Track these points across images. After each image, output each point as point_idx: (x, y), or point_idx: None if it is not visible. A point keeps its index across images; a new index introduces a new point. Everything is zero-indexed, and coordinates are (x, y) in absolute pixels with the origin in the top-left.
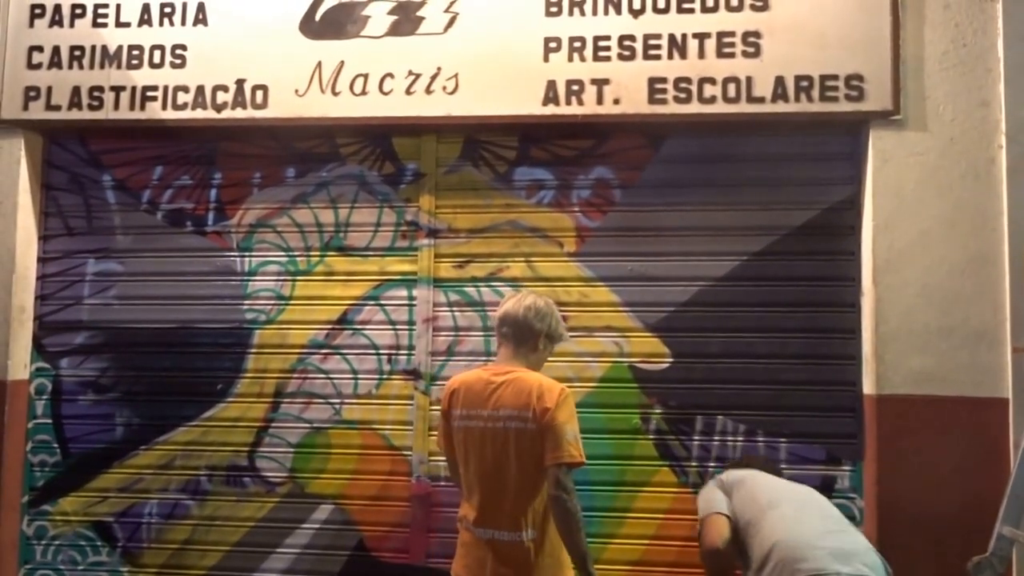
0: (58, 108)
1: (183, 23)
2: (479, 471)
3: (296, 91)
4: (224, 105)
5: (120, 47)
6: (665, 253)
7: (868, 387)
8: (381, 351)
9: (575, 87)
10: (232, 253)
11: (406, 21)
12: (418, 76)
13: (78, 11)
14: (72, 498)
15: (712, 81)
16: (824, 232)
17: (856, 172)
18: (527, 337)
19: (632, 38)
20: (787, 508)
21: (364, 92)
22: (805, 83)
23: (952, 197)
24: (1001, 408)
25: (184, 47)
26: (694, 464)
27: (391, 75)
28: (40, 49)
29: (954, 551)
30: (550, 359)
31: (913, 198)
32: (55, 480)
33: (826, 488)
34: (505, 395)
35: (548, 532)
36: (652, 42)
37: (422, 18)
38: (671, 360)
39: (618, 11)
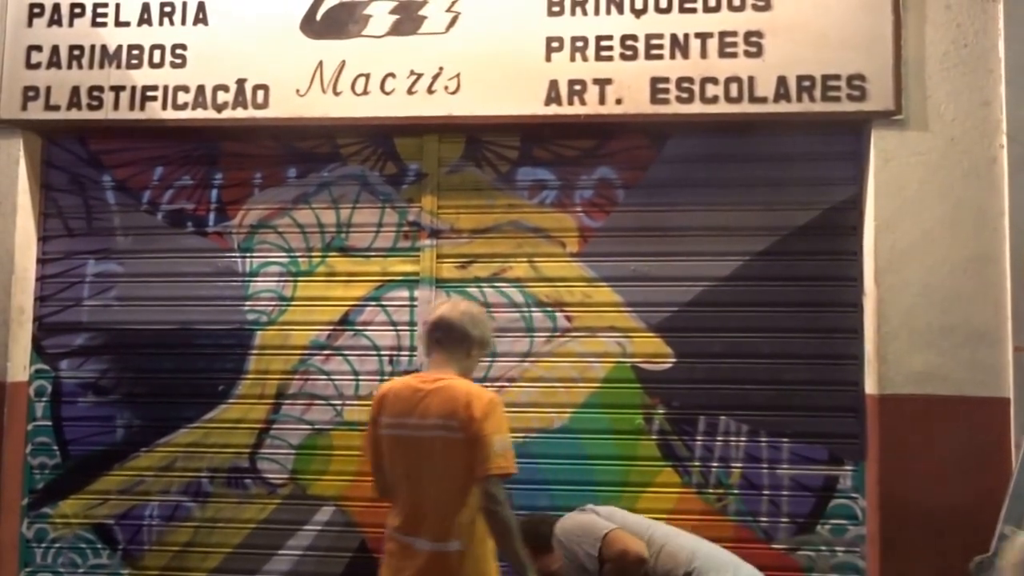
0: (57, 108)
1: (183, 22)
2: (406, 480)
3: (297, 91)
4: (225, 105)
5: (120, 47)
6: (668, 253)
7: (870, 387)
8: (383, 352)
9: (577, 87)
10: (233, 254)
11: (408, 20)
12: (420, 76)
13: (77, 10)
14: (72, 500)
15: (714, 81)
16: (826, 232)
17: (858, 172)
18: (461, 343)
19: (634, 38)
20: (664, 528)
21: (366, 92)
22: (807, 83)
23: (953, 197)
24: (1002, 407)
25: (184, 47)
26: (697, 464)
27: (393, 75)
28: (39, 48)
29: (956, 550)
30: (556, 360)
31: (915, 198)
32: (55, 482)
33: (828, 488)
34: (432, 403)
35: (475, 543)
36: (654, 42)
37: (424, 17)
38: (674, 360)
39: (620, 11)
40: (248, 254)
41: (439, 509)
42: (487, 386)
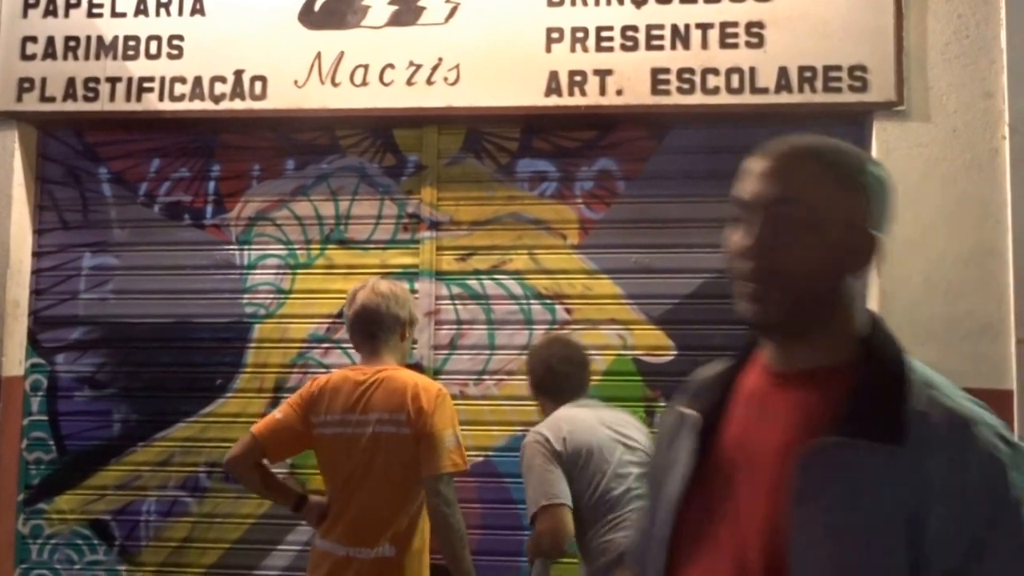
0: (53, 99)
1: (180, 13)
2: (346, 483)
3: (295, 82)
4: (222, 96)
5: (116, 37)
6: (669, 245)
7: None
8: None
9: (578, 78)
10: (231, 247)
11: (407, 11)
12: (419, 67)
13: (73, 1)
14: (69, 496)
15: (715, 72)
16: None
17: None
18: (392, 329)
19: (635, 28)
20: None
21: (364, 83)
22: (808, 74)
23: (955, 189)
24: (1005, 399)
25: (181, 37)
26: None
27: (392, 66)
28: (34, 40)
29: None
30: None
31: (916, 190)
32: (51, 478)
33: None
34: (376, 396)
35: (412, 549)
36: (655, 32)
37: (423, 8)
38: (675, 353)
39: (621, 1)
40: (246, 247)
41: (379, 513)
42: (471, 380)
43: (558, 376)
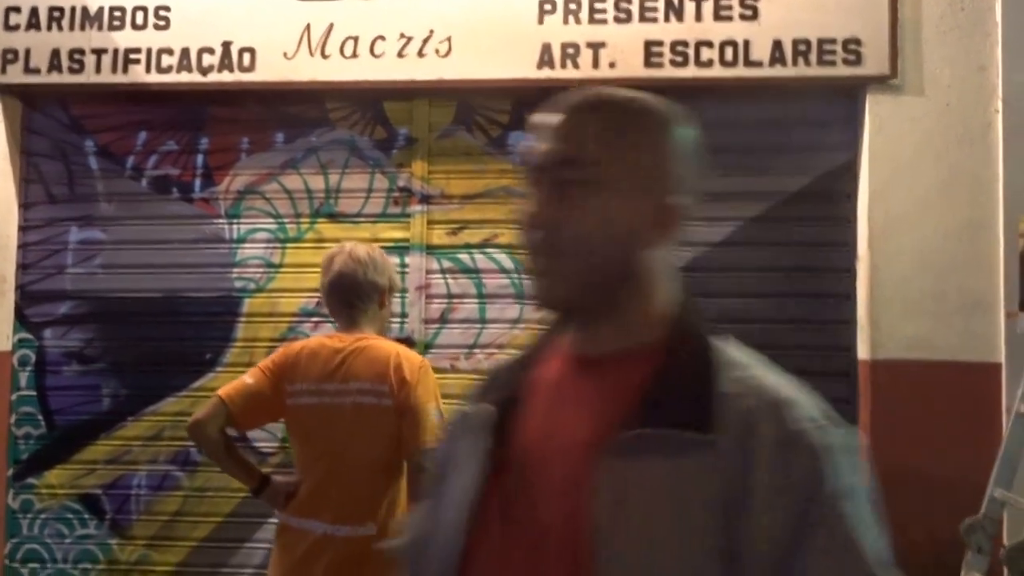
0: (37, 71)
1: None
2: (323, 457)
3: (284, 54)
4: (210, 68)
5: (101, 8)
6: None
7: (862, 352)
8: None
9: (570, 50)
10: (220, 220)
11: None
12: (410, 39)
13: None
14: (58, 471)
15: (709, 45)
16: (821, 197)
17: (853, 137)
18: (370, 296)
19: (628, 0)
20: None
21: (355, 55)
22: (803, 47)
23: (948, 162)
24: (994, 372)
25: (168, 8)
26: None
27: (382, 37)
28: (17, 10)
29: (946, 513)
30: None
31: (909, 163)
32: (40, 453)
33: None
34: (356, 365)
35: (390, 527)
36: (648, 5)
37: None
38: None
39: None
40: (235, 220)
41: (362, 489)
42: (461, 354)
43: None
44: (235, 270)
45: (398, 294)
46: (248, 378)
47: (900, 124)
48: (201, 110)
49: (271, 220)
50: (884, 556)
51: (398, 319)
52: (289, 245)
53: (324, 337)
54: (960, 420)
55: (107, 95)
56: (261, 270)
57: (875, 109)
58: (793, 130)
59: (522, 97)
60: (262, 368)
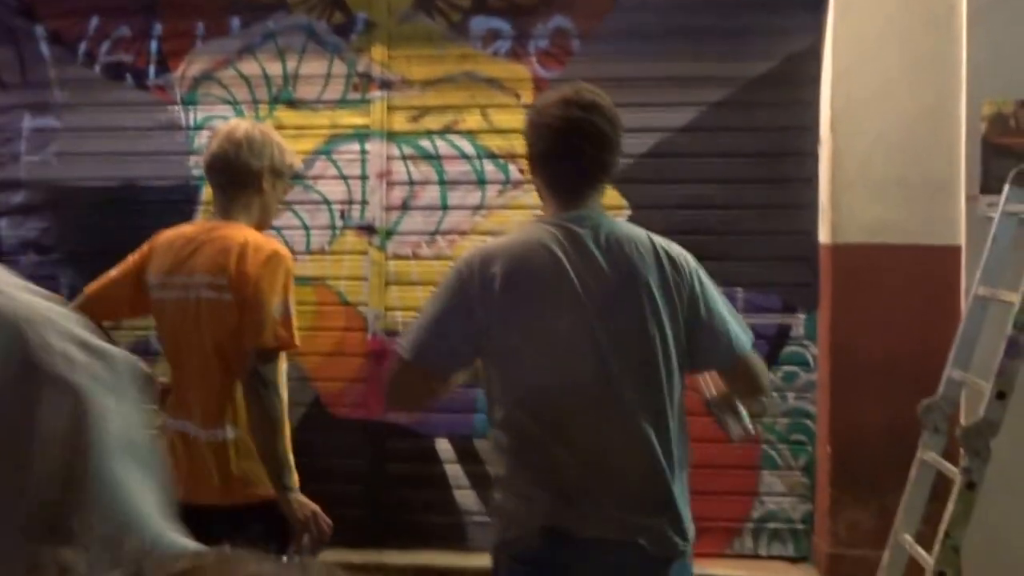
0: None
1: None
2: (172, 352)
3: None
4: None
5: None
6: (624, 104)
7: (824, 236)
8: (333, 205)
9: None
10: (176, 107)
11: None
12: None
13: None
14: None
15: None
16: (784, 82)
17: (818, 20)
18: (245, 180)
19: None
20: None
21: None
22: None
23: (912, 46)
24: (954, 255)
25: None
26: None
27: None
28: None
29: (905, 395)
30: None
31: (873, 47)
32: None
33: (781, 335)
34: (201, 256)
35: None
36: None
37: None
38: (629, 211)
39: None
40: (192, 107)
41: (213, 390)
42: (423, 241)
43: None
44: (192, 157)
45: (291, 179)
46: (114, 270)
47: (864, 7)
48: None
49: (228, 107)
50: None
51: (358, 205)
52: None
53: (188, 226)
54: (920, 303)
55: None
56: None
57: None
58: (757, 13)
59: None
60: (130, 259)
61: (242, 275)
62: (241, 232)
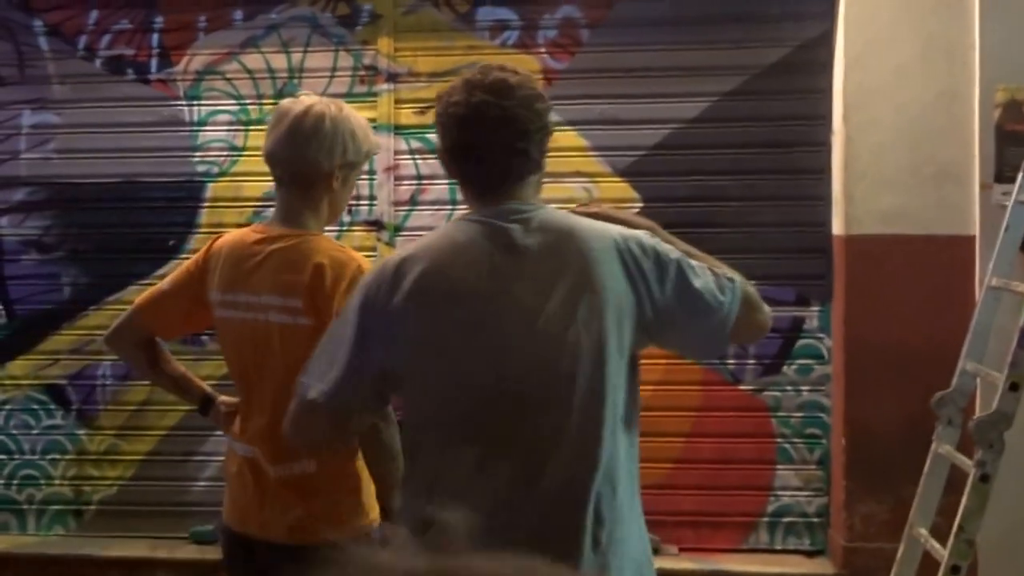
0: None
1: None
2: (240, 375)
3: None
4: None
5: None
6: (634, 95)
7: (837, 227)
8: None
9: None
10: (179, 102)
11: None
12: None
13: None
14: (21, 361)
15: None
16: (797, 69)
17: (829, 7)
18: (313, 181)
19: None
20: None
21: None
22: None
23: (924, 31)
24: (968, 245)
25: None
26: None
27: None
28: None
29: (919, 387)
30: None
31: (886, 32)
32: (2, 344)
33: (795, 328)
34: (269, 272)
35: (338, 463)
36: None
37: None
38: (641, 205)
39: None
40: (195, 102)
41: (281, 418)
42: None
43: None
44: (197, 154)
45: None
46: (166, 283)
47: None
48: None
49: (232, 102)
50: None
51: (365, 202)
52: (252, 128)
53: (249, 230)
54: (934, 294)
55: None
56: (224, 153)
57: None
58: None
59: None
60: (186, 269)
61: (323, 299)
62: (314, 243)
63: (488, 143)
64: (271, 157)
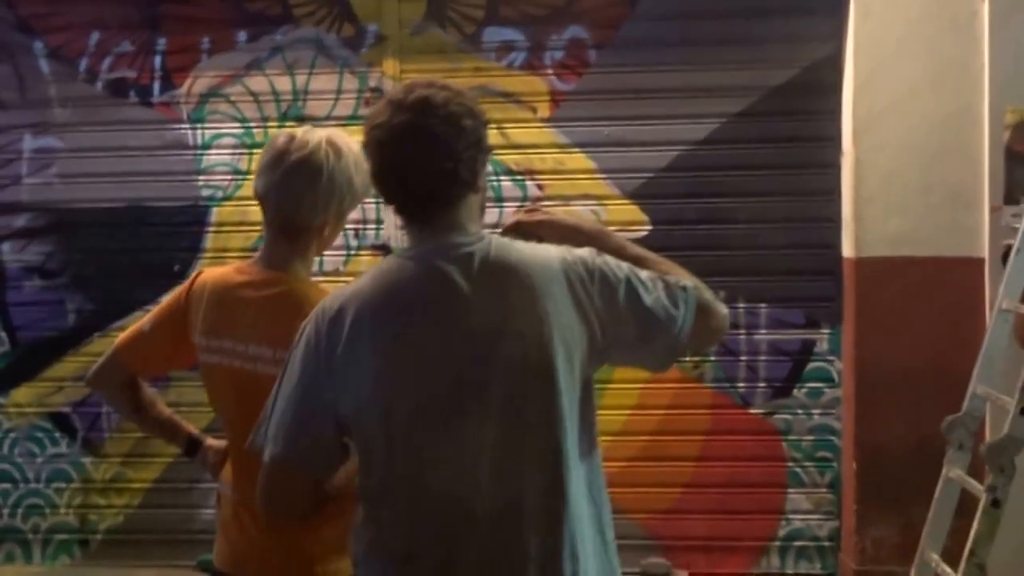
0: None
1: None
2: (227, 421)
3: None
4: None
5: None
6: (643, 116)
7: (847, 249)
8: (348, 225)
9: None
10: (182, 125)
11: None
12: None
13: None
14: (25, 389)
15: None
16: (805, 91)
17: (838, 27)
18: (303, 228)
19: None
20: None
21: None
22: None
23: (934, 52)
24: (977, 267)
25: None
26: None
27: None
28: None
29: (929, 411)
30: None
31: (895, 54)
32: (6, 371)
33: (805, 351)
34: (255, 320)
35: (325, 515)
36: None
37: None
38: (650, 227)
39: None
40: (199, 125)
41: None
42: None
43: None
44: (201, 177)
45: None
46: (146, 324)
47: (885, 13)
48: (155, 8)
49: (237, 125)
50: None
51: (372, 226)
52: (257, 151)
53: (233, 269)
54: (944, 316)
55: None
56: (228, 177)
57: None
58: (776, 21)
59: None
60: (167, 308)
61: None
62: (302, 292)
63: (409, 164)
64: (262, 199)
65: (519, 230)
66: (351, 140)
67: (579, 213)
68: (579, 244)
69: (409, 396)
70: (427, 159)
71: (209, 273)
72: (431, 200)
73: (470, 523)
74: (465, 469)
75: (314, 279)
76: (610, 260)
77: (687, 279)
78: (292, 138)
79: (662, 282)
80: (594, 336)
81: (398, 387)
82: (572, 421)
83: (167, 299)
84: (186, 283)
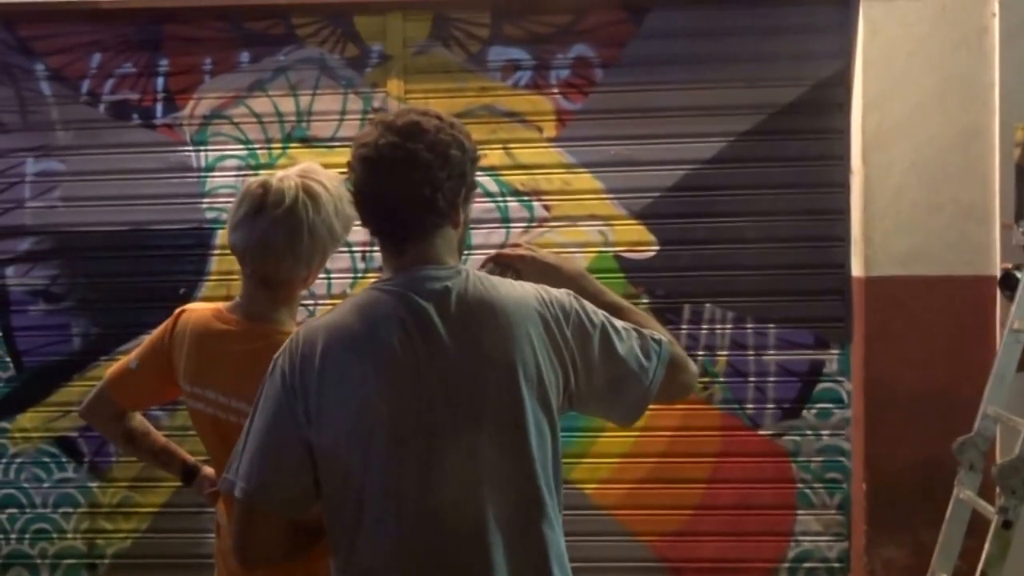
0: None
1: None
2: (217, 464)
3: None
4: None
5: None
6: (649, 136)
7: (856, 269)
8: (354, 248)
9: None
10: (185, 148)
11: None
12: None
13: None
14: (31, 414)
15: None
16: (813, 109)
17: (846, 45)
18: (288, 276)
19: None
20: None
21: None
22: None
23: (943, 70)
24: (989, 285)
25: None
26: None
27: None
28: None
29: (940, 431)
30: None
31: (904, 72)
32: (11, 396)
33: (814, 372)
34: (237, 375)
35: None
36: None
37: None
38: (657, 248)
39: None
40: (202, 147)
41: None
42: None
43: None
44: (205, 200)
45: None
46: (134, 361)
47: (895, 30)
48: (157, 29)
49: (240, 146)
50: None
51: (376, 249)
52: (261, 173)
53: (213, 315)
54: (955, 335)
55: (56, 13)
56: (233, 199)
57: (868, 14)
58: (784, 39)
59: (501, 8)
60: (152, 347)
61: None
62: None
63: (390, 187)
64: (240, 255)
65: (499, 262)
66: (326, 176)
67: (567, 257)
68: (557, 284)
69: (388, 427)
70: (406, 183)
71: (190, 314)
72: (405, 227)
73: (447, 547)
74: (443, 500)
75: (321, 302)
76: (587, 305)
77: (660, 333)
78: (266, 189)
79: (636, 333)
80: (567, 378)
81: (379, 417)
82: (544, 465)
83: (151, 337)
84: (168, 322)
